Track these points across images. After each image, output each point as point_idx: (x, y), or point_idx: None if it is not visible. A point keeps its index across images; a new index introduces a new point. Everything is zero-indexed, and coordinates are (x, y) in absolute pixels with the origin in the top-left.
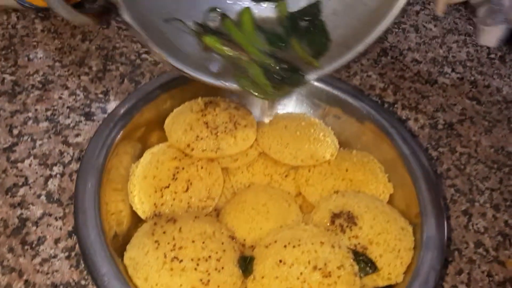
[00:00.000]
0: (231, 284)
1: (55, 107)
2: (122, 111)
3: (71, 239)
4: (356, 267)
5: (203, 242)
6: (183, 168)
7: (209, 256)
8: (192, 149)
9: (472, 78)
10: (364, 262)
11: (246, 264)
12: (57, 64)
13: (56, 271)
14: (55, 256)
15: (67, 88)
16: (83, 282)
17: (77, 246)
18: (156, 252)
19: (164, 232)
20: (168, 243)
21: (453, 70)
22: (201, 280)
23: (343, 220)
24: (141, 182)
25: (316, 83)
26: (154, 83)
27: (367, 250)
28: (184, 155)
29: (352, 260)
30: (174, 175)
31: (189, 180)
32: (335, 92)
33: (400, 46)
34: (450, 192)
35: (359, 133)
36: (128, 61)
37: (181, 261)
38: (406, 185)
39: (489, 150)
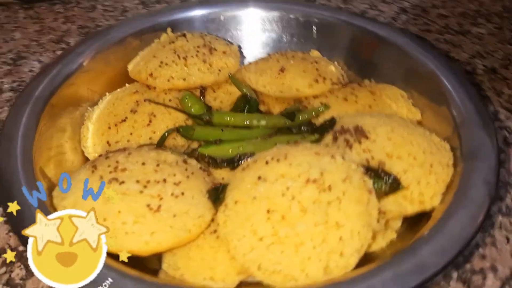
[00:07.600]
0: (196, 216)
1: (24, 79)
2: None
3: None
4: (370, 182)
5: (158, 165)
6: (145, 101)
7: (164, 179)
8: (156, 78)
9: None
10: (378, 177)
11: (218, 193)
12: (33, 43)
13: None
14: None
15: (40, 62)
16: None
17: None
18: (92, 176)
19: (107, 158)
20: (109, 166)
21: (488, 21)
22: (148, 205)
23: (349, 135)
24: (95, 122)
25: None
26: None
27: (384, 166)
28: (148, 88)
29: (363, 174)
30: (133, 109)
31: (152, 113)
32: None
33: (421, 5)
34: (503, 134)
35: (376, 57)
36: None
37: (122, 183)
38: (436, 101)
39: None
